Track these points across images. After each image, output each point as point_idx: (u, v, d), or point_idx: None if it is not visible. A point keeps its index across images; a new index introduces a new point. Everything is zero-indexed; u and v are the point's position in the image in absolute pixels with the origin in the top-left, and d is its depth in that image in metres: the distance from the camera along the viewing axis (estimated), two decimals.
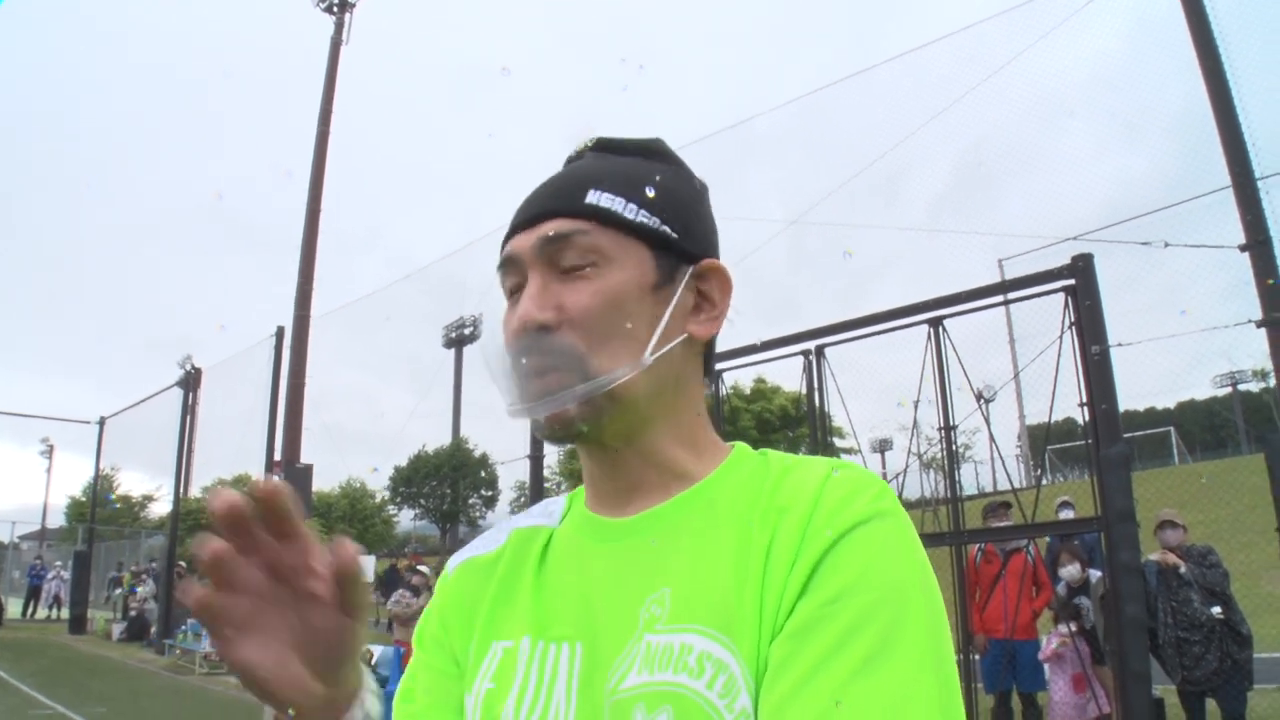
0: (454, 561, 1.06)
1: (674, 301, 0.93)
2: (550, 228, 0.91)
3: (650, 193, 0.93)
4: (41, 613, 30.08)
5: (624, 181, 0.93)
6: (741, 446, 0.99)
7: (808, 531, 0.80)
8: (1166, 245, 7.79)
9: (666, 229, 0.93)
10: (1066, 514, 9.98)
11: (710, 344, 1.00)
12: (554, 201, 0.93)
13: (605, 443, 0.92)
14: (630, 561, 0.90)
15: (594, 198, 0.91)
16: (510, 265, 0.94)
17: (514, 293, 0.94)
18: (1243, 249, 7.05)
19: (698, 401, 0.99)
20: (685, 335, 0.94)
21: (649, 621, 0.83)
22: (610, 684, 0.82)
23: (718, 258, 1.00)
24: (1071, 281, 7.40)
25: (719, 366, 10.22)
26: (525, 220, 0.94)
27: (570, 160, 1.02)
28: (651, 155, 1.00)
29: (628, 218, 0.91)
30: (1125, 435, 7.34)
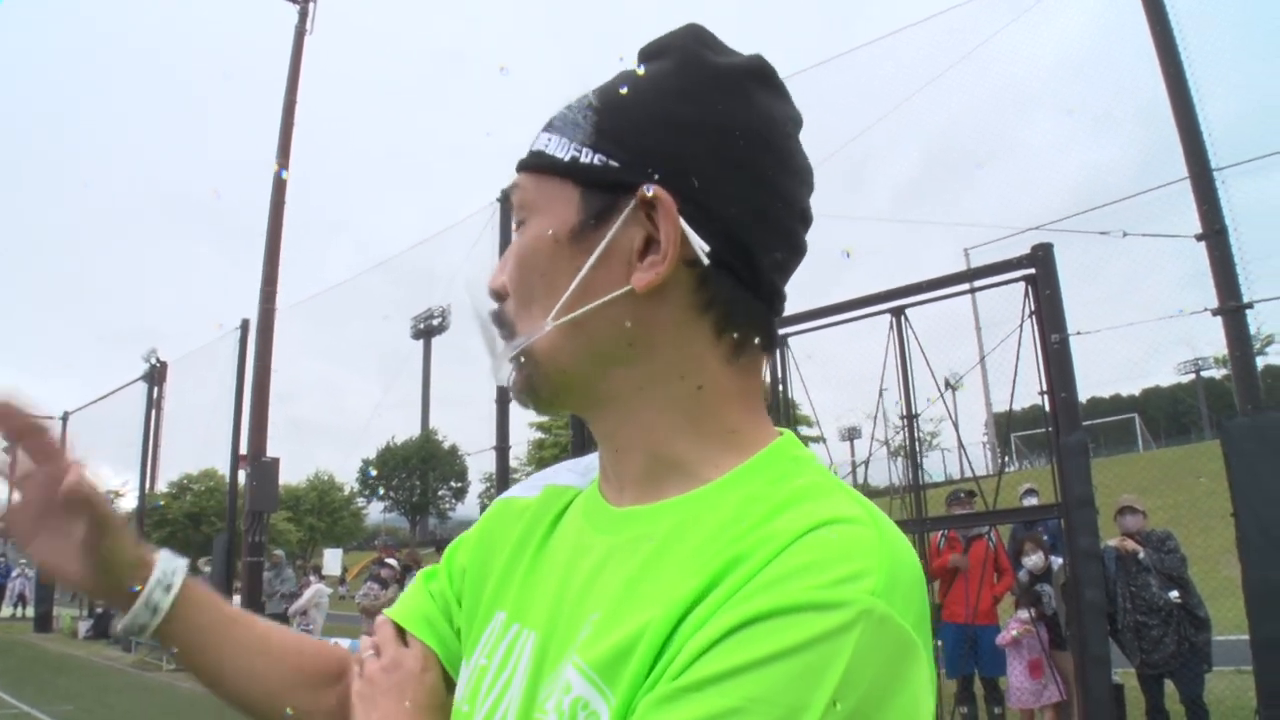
0: (502, 495, 1.02)
1: (600, 246, 0.76)
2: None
3: (600, 115, 0.78)
4: (5, 611, 29.69)
5: (575, 110, 0.80)
6: (778, 446, 0.80)
7: (737, 593, 0.64)
8: (1125, 235, 7.87)
9: (598, 157, 0.76)
10: (1031, 500, 10.08)
11: (719, 295, 0.77)
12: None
13: (583, 414, 0.84)
14: (600, 564, 0.79)
15: (540, 142, 0.81)
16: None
17: None
18: (1199, 238, 7.12)
19: (696, 370, 0.78)
20: (627, 288, 0.75)
21: (582, 644, 0.73)
22: (540, 697, 0.75)
23: (713, 170, 0.75)
24: (1031, 271, 7.46)
25: None
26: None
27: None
28: (651, 55, 0.81)
29: (554, 155, 0.78)
30: (1090, 422, 7.43)
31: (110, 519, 0.91)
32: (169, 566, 0.95)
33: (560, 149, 0.78)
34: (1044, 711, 7.66)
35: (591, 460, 0.94)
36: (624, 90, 0.78)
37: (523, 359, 0.80)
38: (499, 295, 0.84)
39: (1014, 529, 8.72)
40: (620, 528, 0.80)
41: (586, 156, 0.76)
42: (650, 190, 0.74)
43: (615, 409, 0.81)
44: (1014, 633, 7.65)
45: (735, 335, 0.78)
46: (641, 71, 0.79)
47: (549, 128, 0.81)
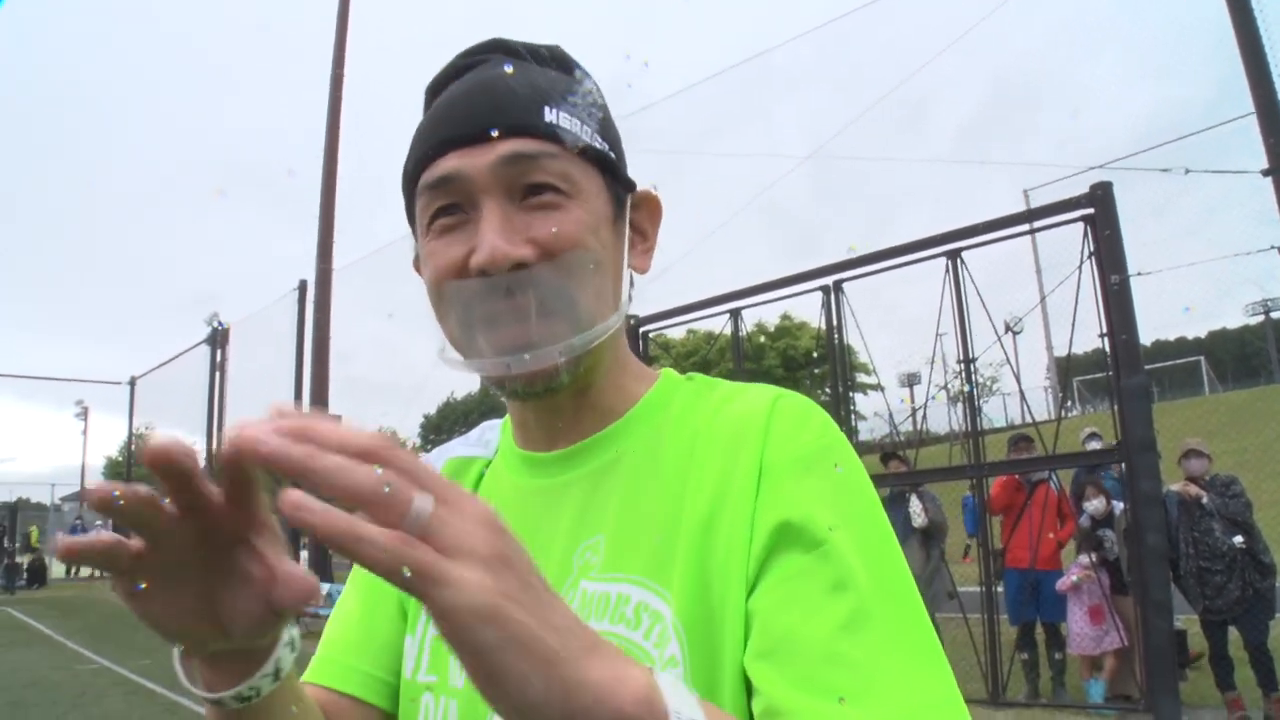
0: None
1: (627, 236, 0.87)
2: (512, 147, 0.78)
3: (594, 113, 0.84)
4: (85, 571, 30.71)
5: (577, 100, 0.83)
6: (668, 374, 0.94)
7: (765, 461, 0.76)
8: (1188, 172, 7.65)
9: (612, 155, 0.85)
10: (1094, 445, 9.92)
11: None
12: (510, 116, 0.79)
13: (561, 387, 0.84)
14: (561, 502, 0.85)
15: (551, 115, 0.80)
16: (447, 185, 0.80)
17: (438, 217, 0.81)
18: (1265, 174, 6.90)
19: (622, 331, 0.91)
20: (630, 272, 0.88)
21: (584, 568, 0.80)
22: None
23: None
24: (1090, 211, 7.29)
25: (738, 305, 10.20)
26: (470, 135, 0.79)
27: (471, 62, 0.87)
28: (569, 67, 0.87)
29: (588, 142, 0.81)
30: (1155, 365, 7.29)
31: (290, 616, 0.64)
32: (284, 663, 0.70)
33: (583, 133, 0.81)
34: (1105, 657, 7.58)
35: (480, 433, 1.01)
36: (594, 94, 0.85)
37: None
38: (522, 266, 0.77)
39: (1076, 473, 8.59)
40: (572, 465, 0.87)
41: (605, 149, 0.84)
42: (642, 191, 0.89)
43: (592, 377, 0.87)
44: (1074, 578, 7.56)
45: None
46: (590, 77, 0.87)
47: (552, 102, 0.81)
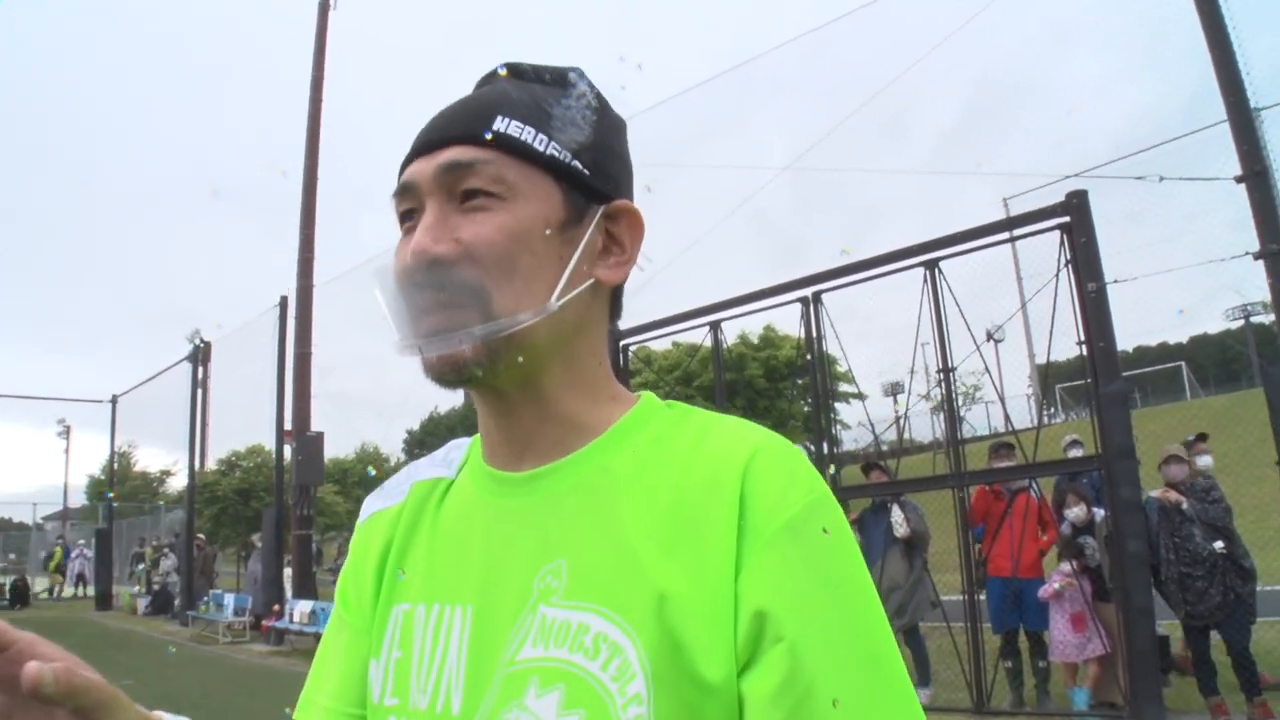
0: (365, 511, 1.03)
1: (582, 243, 0.88)
2: (451, 155, 0.85)
3: (562, 125, 0.88)
4: (68, 591, 30.51)
5: (535, 110, 0.87)
6: (648, 398, 0.93)
7: (746, 528, 0.76)
8: (1162, 180, 7.70)
9: (577, 164, 0.87)
10: (1075, 452, 9.95)
11: (618, 290, 0.95)
12: (457, 127, 0.86)
13: (500, 388, 0.87)
14: (524, 523, 0.85)
15: (501, 124, 0.85)
16: (406, 193, 0.88)
17: (407, 222, 0.89)
18: (1239, 180, 6.94)
19: (600, 349, 0.93)
20: (592, 280, 0.88)
21: (544, 593, 0.79)
22: (505, 654, 0.79)
23: (631, 198, 0.94)
24: (1066, 219, 7.33)
25: (718, 317, 10.21)
26: (425, 145, 0.87)
27: (480, 85, 0.95)
28: (568, 85, 0.93)
29: (536, 149, 0.85)
30: (1136, 371, 7.33)
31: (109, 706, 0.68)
32: None
33: (536, 141, 0.85)
34: (1088, 664, 7.60)
35: (445, 452, 1.03)
36: (575, 108, 0.90)
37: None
38: (438, 260, 0.82)
39: (1057, 481, 8.62)
40: (537, 486, 0.87)
41: (566, 158, 0.86)
42: (620, 204, 0.91)
43: (543, 382, 0.88)
44: (1056, 585, 7.57)
45: (614, 325, 0.97)
46: (586, 94, 0.92)
47: (507, 111, 0.86)
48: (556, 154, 0.86)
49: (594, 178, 0.89)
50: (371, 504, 1.02)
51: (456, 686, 0.81)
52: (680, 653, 0.73)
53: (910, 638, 8.67)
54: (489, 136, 0.85)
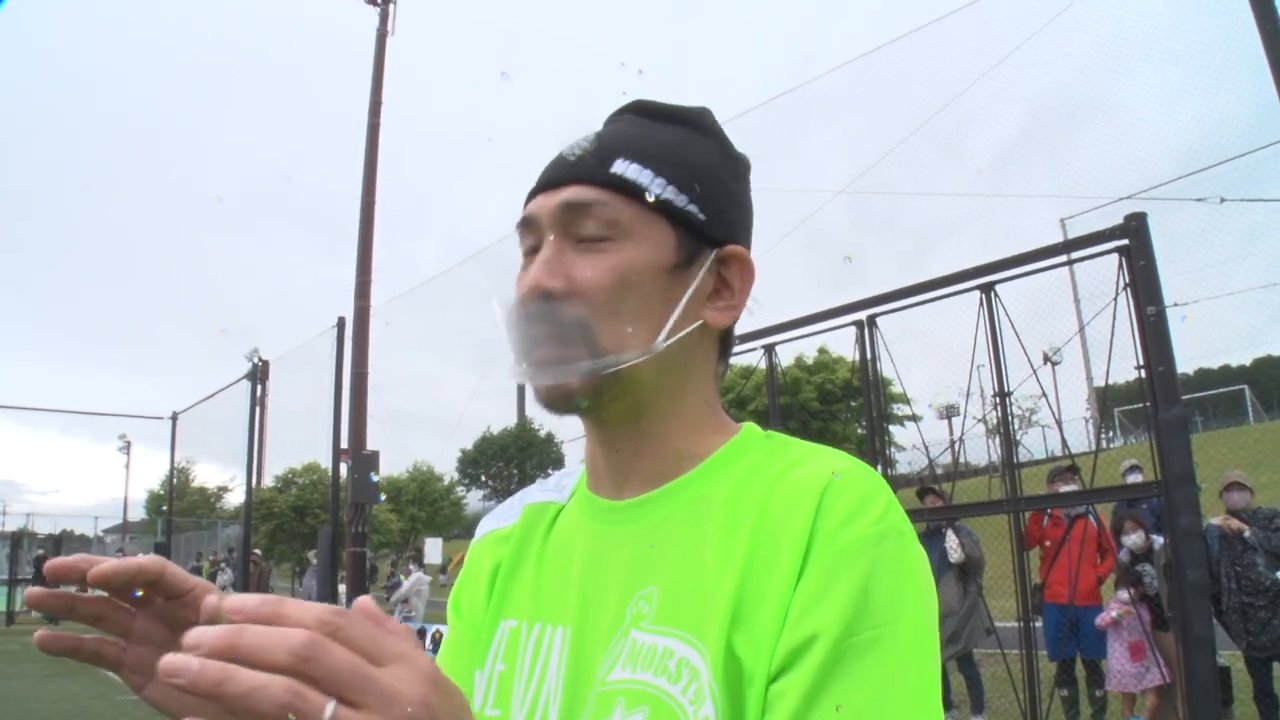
0: (480, 530, 1.08)
1: (693, 286, 0.91)
2: (570, 194, 0.89)
3: (680, 169, 0.91)
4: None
5: (655, 153, 0.91)
6: (749, 429, 0.96)
7: (810, 550, 0.78)
8: (1222, 200, 7.58)
9: (693, 208, 0.91)
10: (1134, 477, 9.78)
11: (728, 331, 0.98)
12: (578, 167, 0.90)
13: (606, 419, 0.92)
14: (622, 550, 0.90)
15: (620, 168, 0.89)
16: (529, 226, 0.93)
17: (529, 254, 0.93)
18: None
19: (708, 389, 0.96)
20: (700, 322, 0.92)
21: (636, 618, 0.84)
22: (599, 674, 0.83)
23: (748, 244, 0.98)
24: (1125, 242, 7.23)
25: (771, 341, 10.19)
26: (548, 182, 0.92)
27: (610, 121, 0.99)
28: (692, 126, 0.97)
29: (654, 191, 0.89)
30: (1198, 394, 7.18)
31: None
32: None
33: (654, 184, 0.89)
34: (1145, 695, 7.46)
35: (558, 479, 1.07)
36: (695, 150, 0.94)
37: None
38: (550, 295, 0.87)
39: (1116, 507, 8.48)
40: (636, 516, 0.91)
41: (681, 202, 0.90)
42: (732, 249, 0.94)
43: (648, 417, 0.92)
44: (1114, 614, 7.45)
45: (724, 365, 1.00)
46: (709, 136, 0.97)
47: (627, 154, 0.90)
48: (672, 198, 0.90)
49: (708, 222, 0.92)
50: (486, 524, 1.08)
51: (554, 703, 0.86)
52: (739, 672, 0.76)
53: (964, 664, 8.57)
54: (609, 178, 0.89)
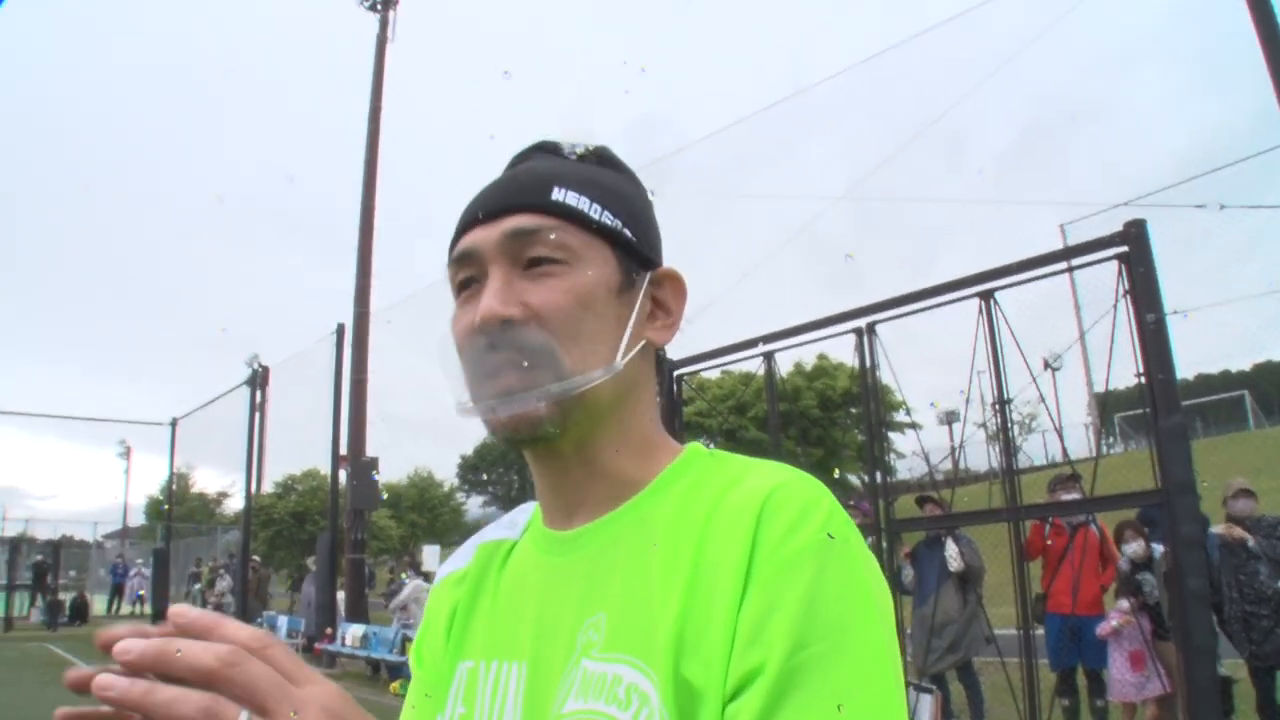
0: (438, 575, 1.08)
1: (637, 306, 0.93)
2: (515, 222, 0.89)
3: (609, 195, 0.93)
4: (125, 609, 31.06)
5: (587, 182, 0.93)
6: (692, 450, 0.96)
7: (753, 565, 0.76)
8: (1223, 208, 7.56)
9: (627, 232, 0.93)
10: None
11: (659, 354, 1.00)
12: (518, 197, 0.91)
13: (563, 449, 0.90)
14: (572, 580, 0.89)
15: (559, 195, 0.90)
16: (466, 260, 0.92)
17: (464, 288, 0.93)
18: None
19: (650, 407, 0.97)
20: (644, 341, 0.94)
21: (586, 646, 0.83)
22: (554, 707, 0.82)
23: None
24: (1124, 249, 7.21)
25: (771, 348, 10.17)
26: (485, 214, 0.91)
27: (515, 162, 1.01)
28: (603, 161, 1.00)
29: (593, 217, 0.90)
30: (1198, 400, 7.17)
31: None
32: None
33: (591, 210, 0.91)
34: (1147, 705, 7.42)
35: (511, 516, 1.07)
36: (618, 180, 0.97)
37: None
38: (510, 321, 0.86)
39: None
40: (583, 544, 0.91)
41: (618, 226, 0.92)
42: (665, 270, 0.97)
43: (601, 441, 0.91)
44: (1114, 623, 7.42)
45: (659, 380, 1.01)
46: (623, 168, 1.01)
47: (562, 183, 0.91)
48: (609, 222, 0.91)
49: (641, 245, 0.95)
50: (443, 569, 1.08)
51: None
52: (691, 696, 0.75)
53: (964, 673, 8.54)
54: (551, 205, 0.89)
